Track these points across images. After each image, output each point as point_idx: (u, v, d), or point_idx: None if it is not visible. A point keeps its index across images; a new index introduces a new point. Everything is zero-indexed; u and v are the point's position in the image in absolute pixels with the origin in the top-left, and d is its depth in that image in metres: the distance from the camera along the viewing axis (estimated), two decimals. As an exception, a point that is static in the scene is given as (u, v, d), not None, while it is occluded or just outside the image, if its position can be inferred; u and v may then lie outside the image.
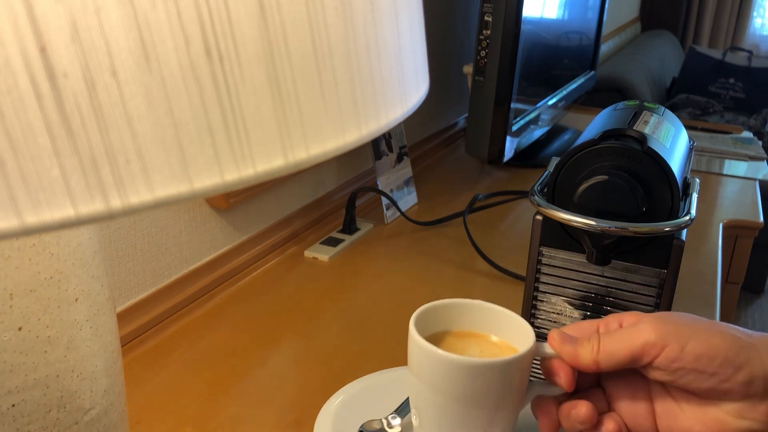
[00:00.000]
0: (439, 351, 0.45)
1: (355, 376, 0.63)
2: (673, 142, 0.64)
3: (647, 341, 0.41)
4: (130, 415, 0.61)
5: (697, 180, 0.65)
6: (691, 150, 0.73)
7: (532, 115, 1.20)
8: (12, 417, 0.31)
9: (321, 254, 0.89)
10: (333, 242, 0.92)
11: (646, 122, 0.65)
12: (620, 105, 0.74)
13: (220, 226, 0.82)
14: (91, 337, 0.35)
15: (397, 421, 0.56)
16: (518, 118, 1.13)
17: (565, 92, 1.39)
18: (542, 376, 0.48)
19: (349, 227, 0.95)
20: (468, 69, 1.19)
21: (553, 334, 0.46)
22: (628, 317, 0.45)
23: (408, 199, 1.07)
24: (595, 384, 0.48)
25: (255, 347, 0.71)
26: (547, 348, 0.46)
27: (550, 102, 1.30)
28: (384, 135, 1.02)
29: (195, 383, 0.65)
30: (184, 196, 0.20)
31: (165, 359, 0.69)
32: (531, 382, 0.48)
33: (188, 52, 0.20)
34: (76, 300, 0.34)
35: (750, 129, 2.11)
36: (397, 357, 0.70)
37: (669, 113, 0.73)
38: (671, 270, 0.58)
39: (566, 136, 1.46)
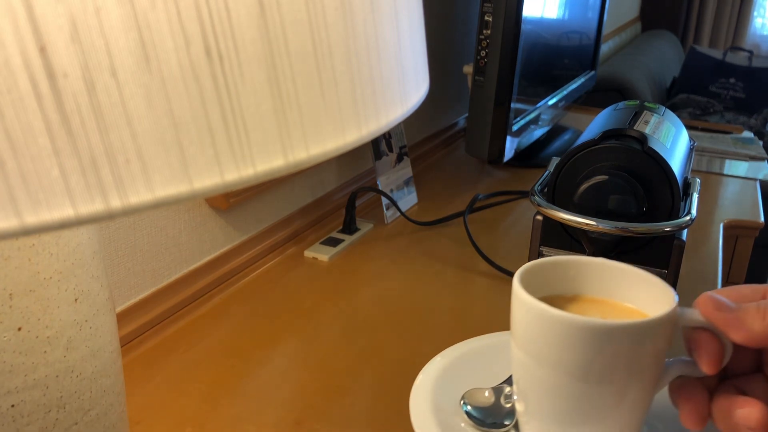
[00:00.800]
0: (554, 310, 0.36)
1: (355, 376, 0.63)
2: (674, 142, 0.64)
3: None
4: (129, 416, 0.61)
5: (698, 180, 0.65)
6: (691, 150, 0.73)
7: (533, 115, 1.20)
8: (11, 417, 0.31)
9: (321, 254, 0.89)
10: (333, 242, 0.92)
11: (646, 122, 0.65)
12: (620, 105, 0.74)
13: (219, 226, 0.82)
14: (91, 337, 0.35)
15: (508, 392, 0.46)
16: (518, 118, 1.13)
17: (565, 92, 1.39)
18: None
19: (349, 227, 0.95)
20: (468, 69, 1.19)
21: (705, 299, 0.36)
22: None
23: (408, 199, 1.07)
24: (754, 368, 0.37)
25: (255, 347, 0.71)
26: (695, 314, 0.36)
27: (551, 102, 1.30)
28: (384, 135, 1.02)
29: (195, 383, 0.65)
30: (184, 196, 0.20)
31: (165, 359, 0.69)
32: (670, 361, 0.38)
33: (188, 52, 0.20)
34: (76, 300, 0.34)
35: (750, 129, 2.11)
36: (399, 356, 0.70)
37: (669, 113, 0.73)
38: (671, 270, 0.58)
39: (566, 136, 1.46)
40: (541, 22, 1.17)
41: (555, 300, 0.40)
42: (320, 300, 0.81)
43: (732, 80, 2.58)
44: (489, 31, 1.05)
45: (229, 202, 0.80)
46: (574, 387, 0.36)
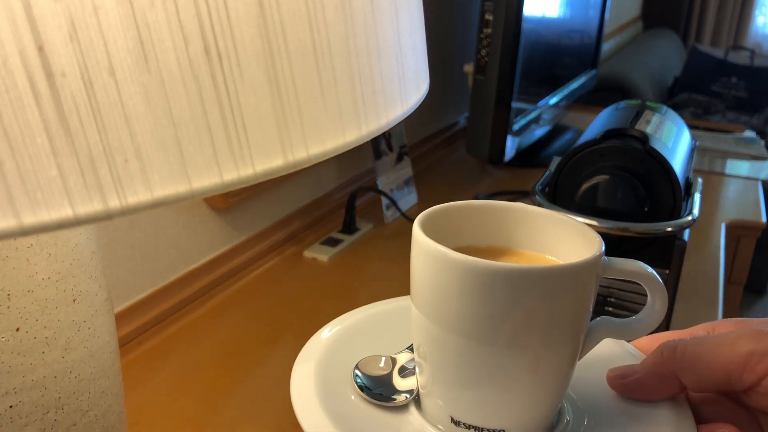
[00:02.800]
0: (453, 253, 0.30)
1: (355, 376, 0.63)
2: (675, 141, 0.64)
3: (753, 351, 0.30)
4: (128, 417, 0.60)
5: (700, 180, 0.65)
6: (693, 150, 0.72)
7: (533, 114, 1.20)
8: (10, 418, 0.31)
9: (320, 254, 0.89)
10: (332, 242, 0.92)
11: (648, 121, 0.64)
12: (622, 104, 0.74)
13: (219, 226, 0.82)
14: (90, 338, 0.35)
15: (408, 361, 0.39)
16: (519, 118, 1.12)
17: (566, 91, 1.38)
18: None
19: (349, 227, 0.94)
20: (469, 68, 1.19)
21: (610, 379, 0.35)
22: (722, 325, 0.35)
23: (408, 199, 1.07)
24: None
25: (254, 348, 0.71)
26: (624, 264, 0.33)
27: (552, 101, 1.30)
28: (384, 134, 1.02)
29: (194, 384, 0.65)
30: (182, 196, 0.20)
31: (164, 360, 0.69)
32: (596, 321, 0.35)
33: (187, 51, 0.20)
34: (74, 301, 0.34)
35: (752, 128, 2.10)
36: (398, 357, 0.69)
37: (671, 112, 0.73)
38: (673, 270, 0.58)
39: (567, 136, 1.45)
40: (542, 21, 1.16)
41: (465, 251, 0.33)
42: (320, 300, 0.81)
43: (734, 79, 2.58)
44: (489, 30, 1.05)
45: (228, 202, 0.80)
46: (481, 352, 0.30)
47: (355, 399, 0.34)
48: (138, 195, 0.20)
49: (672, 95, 2.62)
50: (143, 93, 0.19)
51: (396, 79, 0.28)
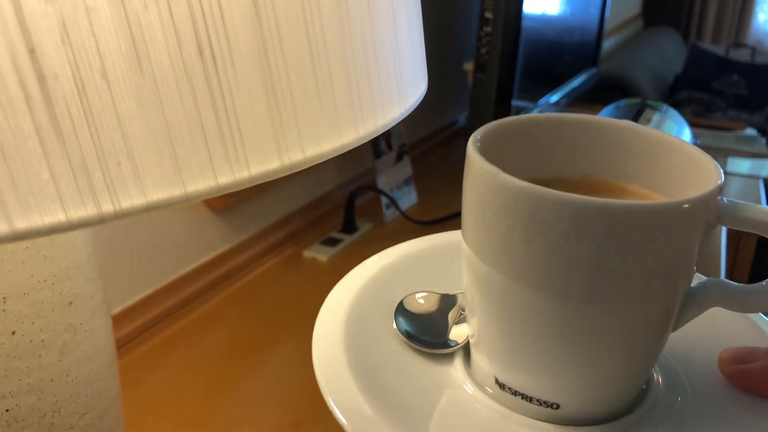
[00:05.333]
0: (519, 181, 0.23)
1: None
2: (676, 140, 0.64)
3: None
4: (127, 418, 0.60)
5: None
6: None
7: (534, 112, 1.19)
8: (6, 422, 0.31)
9: (320, 254, 0.88)
10: (332, 242, 0.91)
11: (648, 120, 0.64)
12: (622, 103, 0.73)
13: (217, 226, 0.82)
14: (86, 340, 0.34)
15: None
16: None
17: (567, 89, 1.38)
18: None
19: (349, 227, 0.94)
20: (469, 66, 1.18)
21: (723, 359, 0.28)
22: None
23: (408, 198, 1.06)
24: None
25: (254, 348, 0.71)
26: (747, 210, 0.25)
27: (552, 99, 1.30)
28: (383, 133, 1.02)
29: (193, 385, 0.65)
30: (176, 199, 0.20)
31: (163, 361, 0.68)
32: (703, 282, 0.27)
33: (180, 52, 0.20)
34: (71, 303, 0.33)
35: (754, 126, 2.10)
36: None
37: (672, 111, 0.73)
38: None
39: (568, 134, 1.45)
40: (542, 19, 1.16)
41: (554, 185, 0.26)
42: (319, 301, 0.80)
43: (735, 77, 2.57)
44: (489, 28, 1.05)
45: (227, 202, 0.80)
46: (545, 304, 0.24)
47: (393, 343, 0.29)
48: (132, 199, 0.19)
49: (673, 93, 2.61)
50: (136, 95, 0.19)
51: (393, 80, 0.27)
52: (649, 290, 0.24)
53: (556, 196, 0.22)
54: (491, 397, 0.28)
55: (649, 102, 0.71)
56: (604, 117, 0.29)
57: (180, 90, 0.20)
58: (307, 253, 0.89)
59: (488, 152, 0.25)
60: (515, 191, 0.23)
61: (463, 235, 0.27)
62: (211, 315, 0.77)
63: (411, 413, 0.26)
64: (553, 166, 0.29)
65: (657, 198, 0.28)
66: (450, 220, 1.01)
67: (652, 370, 0.29)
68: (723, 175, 0.25)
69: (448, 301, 0.32)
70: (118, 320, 0.69)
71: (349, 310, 0.32)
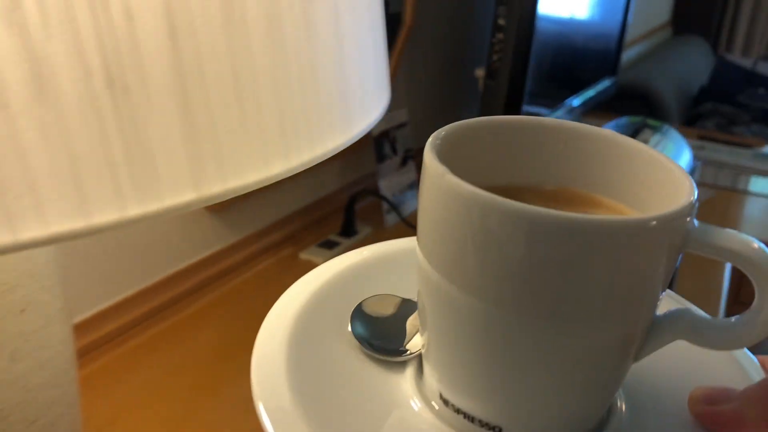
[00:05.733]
0: (463, 184, 0.22)
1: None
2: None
3: None
4: (105, 416, 0.61)
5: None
6: (692, 171, 0.71)
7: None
8: (-51, 428, 0.31)
9: (316, 257, 0.88)
10: (329, 245, 0.91)
11: (645, 141, 0.63)
12: (623, 120, 0.72)
13: (213, 225, 0.82)
14: (39, 348, 0.35)
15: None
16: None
17: (583, 98, 1.36)
18: None
19: (348, 230, 0.94)
20: (480, 72, 1.17)
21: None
22: None
23: (410, 204, 1.06)
24: None
25: (240, 351, 0.71)
26: (722, 236, 0.23)
27: (568, 107, 1.28)
28: (388, 137, 1.01)
29: (176, 386, 0.65)
30: (80, 231, 0.20)
31: (146, 360, 0.69)
32: (671, 312, 0.25)
33: (88, 83, 0.19)
34: (23, 311, 0.33)
35: (777, 142, 2.05)
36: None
37: (672, 132, 0.71)
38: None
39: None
40: (558, 25, 1.14)
41: (517, 193, 0.25)
42: (311, 304, 0.80)
43: (761, 90, 2.52)
44: (502, 35, 1.04)
45: (224, 202, 0.80)
46: (499, 322, 0.22)
47: (345, 348, 0.28)
48: (31, 230, 0.19)
49: (697, 105, 2.57)
50: (39, 127, 0.19)
51: (337, 107, 0.27)
52: (606, 313, 0.22)
53: (507, 205, 0.21)
54: (436, 414, 0.26)
55: (649, 122, 0.70)
56: (584, 124, 0.27)
57: (86, 121, 0.19)
58: (303, 256, 0.89)
59: (452, 154, 0.23)
60: (465, 197, 0.21)
61: (417, 239, 0.25)
62: (201, 315, 0.77)
63: (346, 424, 0.25)
64: (526, 174, 0.27)
65: (628, 213, 0.26)
66: (450, 228, 1.00)
67: (617, 398, 0.27)
68: (696, 194, 0.23)
69: (411, 307, 0.30)
70: (103, 317, 0.69)
71: (301, 311, 0.30)
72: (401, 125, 1.05)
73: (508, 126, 0.27)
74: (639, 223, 0.21)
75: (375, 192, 0.98)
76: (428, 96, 1.26)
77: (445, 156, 0.23)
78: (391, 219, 1.00)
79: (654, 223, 0.21)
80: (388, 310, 0.30)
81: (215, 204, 0.73)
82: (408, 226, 0.99)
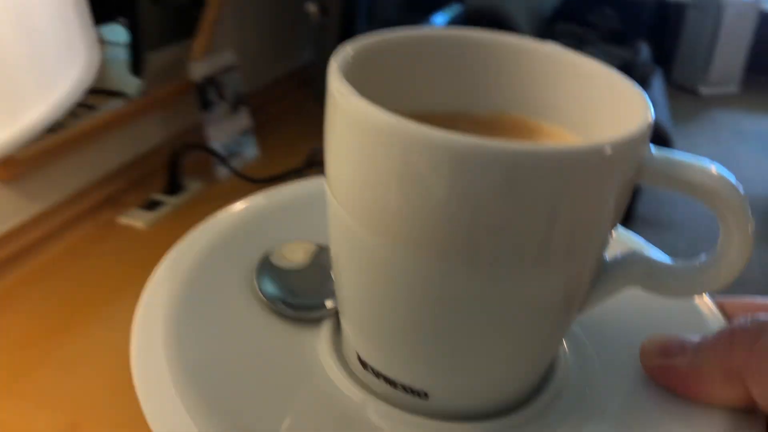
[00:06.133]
0: (380, 111, 0.18)
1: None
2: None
3: None
4: None
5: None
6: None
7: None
8: None
9: (137, 220, 0.81)
10: (152, 206, 0.84)
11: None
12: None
13: (5, 197, 0.73)
14: None
15: None
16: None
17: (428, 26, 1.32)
18: None
19: (173, 188, 0.87)
20: (311, 7, 1.10)
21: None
22: None
23: (247, 153, 0.99)
24: None
25: (45, 338, 0.64)
26: (685, 168, 0.20)
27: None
28: (212, 82, 0.94)
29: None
30: None
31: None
32: (626, 254, 0.23)
33: None
34: None
35: (623, 60, 2.13)
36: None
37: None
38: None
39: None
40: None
41: (434, 120, 0.22)
42: (133, 277, 0.74)
43: (608, 10, 2.59)
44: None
45: (12, 172, 0.71)
46: (420, 268, 0.19)
47: (248, 307, 0.24)
48: None
49: (550, 26, 2.61)
50: None
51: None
52: (545, 258, 0.19)
53: (427, 135, 0.17)
54: (353, 379, 0.23)
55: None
56: (523, 39, 0.23)
57: None
58: (123, 220, 0.82)
59: (364, 75, 0.20)
60: (376, 125, 0.18)
61: (326, 176, 0.21)
62: (4, 297, 0.69)
63: (242, 406, 0.21)
64: (456, 98, 0.24)
65: (574, 141, 0.23)
66: (289, 177, 0.96)
67: (561, 354, 0.24)
68: (653, 115, 0.19)
69: (328, 255, 0.25)
70: None
71: (193, 268, 0.26)
72: (228, 69, 0.97)
73: (432, 41, 0.23)
74: (586, 152, 0.18)
75: (200, 144, 0.91)
76: (259, 36, 1.17)
77: (354, 76, 0.19)
78: (224, 172, 0.94)
79: (605, 151, 0.18)
80: (300, 259, 0.27)
81: (3, 173, 0.64)
82: (243, 179, 0.93)
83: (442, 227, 0.18)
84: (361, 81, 0.19)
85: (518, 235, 0.18)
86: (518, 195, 0.18)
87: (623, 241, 0.28)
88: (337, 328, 0.24)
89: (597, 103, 0.22)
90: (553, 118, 0.23)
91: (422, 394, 0.22)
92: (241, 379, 0.22)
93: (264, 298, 0.25)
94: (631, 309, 0.25)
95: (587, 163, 0.18)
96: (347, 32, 0.99)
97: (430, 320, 0.20)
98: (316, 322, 0.25)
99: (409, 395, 0.22)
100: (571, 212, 0.19)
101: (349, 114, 0.19)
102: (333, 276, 0.23)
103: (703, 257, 0.22)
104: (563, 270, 0.20)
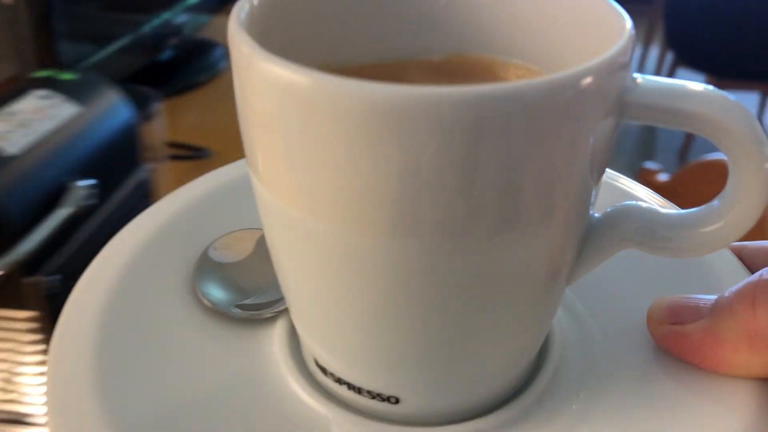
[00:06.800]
0: (286, 66, 0.15)
1: None
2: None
3: None
4: None
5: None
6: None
7: (124, 41, 0.90)
8: None
9: None
10: None
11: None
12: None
13: None
14: None
15: None
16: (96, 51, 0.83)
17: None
18: None
19: None
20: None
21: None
22: None
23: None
24: None
25: None
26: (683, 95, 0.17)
27: (155, 22, 1.00)
28: None
29: None
30: None
31: None
32: (619, 206, 0.21)
33: None
34: None
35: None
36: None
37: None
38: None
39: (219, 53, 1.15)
40: None
41: (383, 70, 0.21)
42: None
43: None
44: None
45: None
46: (369, 249, 0.17)
47: (187, 312, 0.22)
48: None
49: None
50: None
51: None
52: (519, 217, 0.16)
53: (352, 90, 0.15)
54: (314, 387, 0.20)
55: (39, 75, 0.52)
56: None
57: None
58: None
59: (276, 28, 0.18)
60: (285, 85, 0.15)
61: (249, 165, 0.18)
62: None
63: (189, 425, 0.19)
64: (404, 43, 0.21)
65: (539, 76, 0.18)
66: None
67: (557, 330, 0.22)
68: (631, 32, 0.17)
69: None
70: None
71: (123, 270, 0.22)
72: None
73: None
74: (553, 85, 0.15)
75: None
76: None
77: (264, 31, 0.17)
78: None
79: (574, 81, 0.15)
80: (246, 250, 0.24)
81: None
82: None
83: (389, 199, 0.16)
84: (274, 36, 0.17)
85: (479, 199, 0.16)
86: (474, 148, 0.15)
87: (612, 191, 0.26)
88: (294, 326, 0.22)
89: (565, 29, 0.20)
90: (519, 54, 0.21)
91: (393, 400, 0.20)
92: (181, 404, 0.20)
93: (207, 302, 0.22)
94: (631, 267, 0.23)
95: (555, 98, 0.15)
96: (43, 23, 0.77)
97: (390, 313, 0.18)
98: (270, 320, 0.23)
99: (377, 401, 0.20)
100: (544, 161, 0.16)
101: (250, 73, 0.16)
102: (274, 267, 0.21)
103: (714, 203, 0.19)
104: (543, 232, 0.17)
